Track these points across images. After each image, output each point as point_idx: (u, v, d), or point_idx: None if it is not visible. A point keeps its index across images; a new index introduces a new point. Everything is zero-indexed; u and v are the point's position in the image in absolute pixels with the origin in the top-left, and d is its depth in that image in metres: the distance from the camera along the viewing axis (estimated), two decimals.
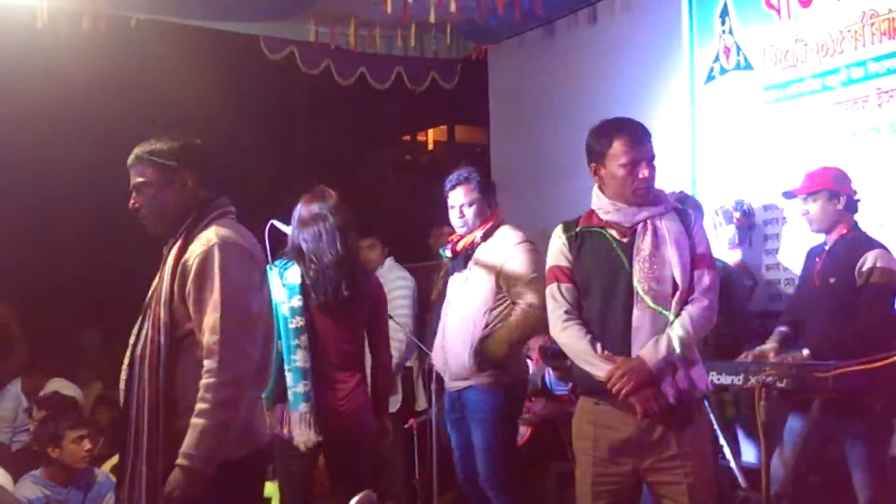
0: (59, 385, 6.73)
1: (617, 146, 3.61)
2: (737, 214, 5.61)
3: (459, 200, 5.03)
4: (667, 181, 5.31)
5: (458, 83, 8.38)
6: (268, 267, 4.20)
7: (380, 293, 4.72)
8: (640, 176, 3.58)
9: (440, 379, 5.26)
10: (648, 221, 3.60)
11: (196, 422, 3.00)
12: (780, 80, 5.59)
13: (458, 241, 5.07)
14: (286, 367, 4.37)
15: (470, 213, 5.02)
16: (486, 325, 4.89)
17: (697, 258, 3.60)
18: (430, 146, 14.15)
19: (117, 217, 10.17)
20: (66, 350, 8.36)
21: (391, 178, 12.27)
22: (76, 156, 8.95)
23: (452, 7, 6.47)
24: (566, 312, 3.66)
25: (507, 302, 4.90)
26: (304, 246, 4.44)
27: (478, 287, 4.95)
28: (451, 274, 5.15)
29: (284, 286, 4.40)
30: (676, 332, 3.48)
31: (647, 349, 3.49)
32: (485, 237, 5.00)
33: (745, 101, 5.80)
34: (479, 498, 5.07)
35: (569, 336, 3.63)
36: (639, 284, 3.53)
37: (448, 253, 5.11)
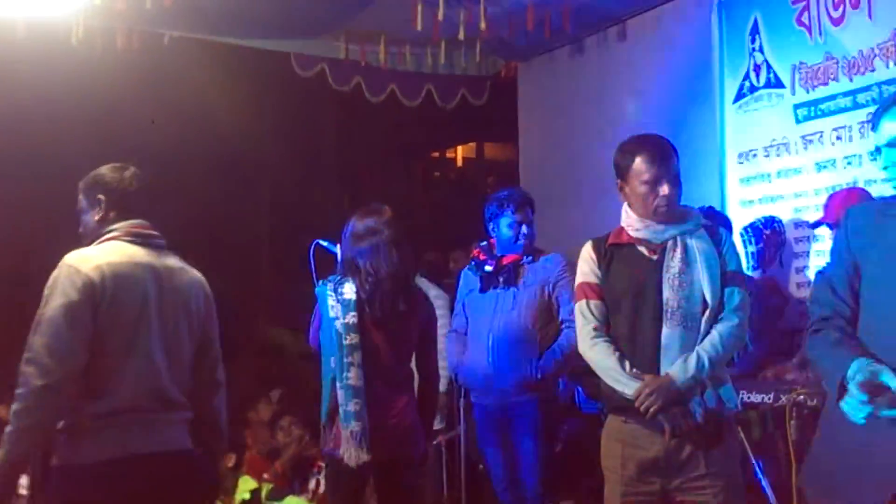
0: None
1: (639, 163, 3.59)
2: (767, 232, 5.59)
3: (529, 217, 5.13)
4: (696, 198, 5.35)
5: (488, 100, 8.40)
6: (319, 284, 4.34)
7: (431, 310, 4.57)
8: (661, 193, 3.56)
9: (467, 396, 5.27)
10: (678, 239, 3.59)
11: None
12: (810, 97, 5.57)
13: (503, 256, 5.13)
14: (338, 383, 4.31)
15: (529, 232, 5.13)
16: (540, 342, 4.99)
17: (728, 276, 3.58)
18: (459, 163, 14.19)
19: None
20: None
21: (420, 194, 12.30)
22: None
23: (482, 24, 6.49)
24: (594, 329, 3.64)
25: (555, 320, 5.03)
26: (359, 261, 4.35)
27: (529, 304, 5.03)
28: (483, 291, 5.17)
29: (339, 302, 4.35)
30: (706, 350, 3.48)
31: (675, 367, 3.47)
32: (534, 258, 5.11)
33: (775, 118, 5.79)
34: None
35: (597, 353, 3.62)
36: (668, 302, 3.52)
37: (490, 268, 5.13)
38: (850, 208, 3.25)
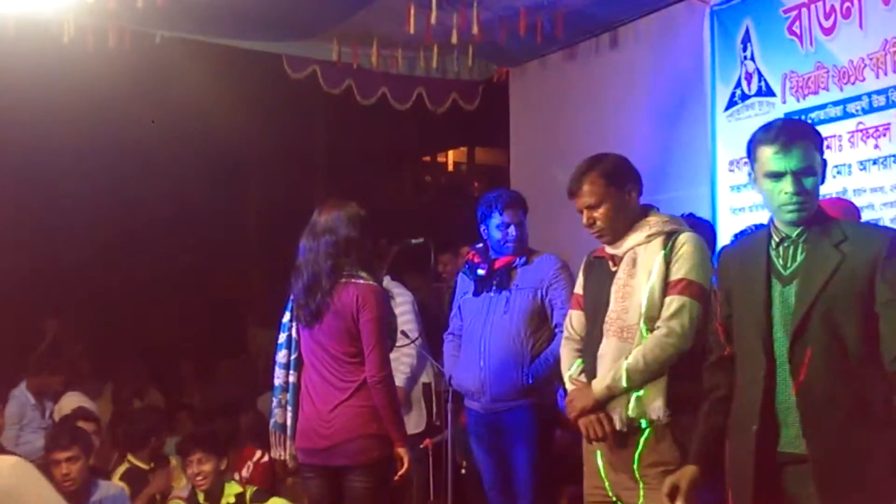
0: (77, 399, 6.76)
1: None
2: None
3: (516, 219, 5.08)
4: (687, 205, 5.36)
5: (479, 105, 8.39)
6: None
7: (362, 302, 4.24)
8: (584, 223, 3.81)
9: (456, 399, 5.26)
10: (632, 251, 3.71)
11: None
12: (800, 106, 5.59)
13: (496, 259, 5.11)
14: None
15: (518, 234, 5.08)
16: (532, 347, 4.97)
17: (670, 285, 3.63)
18: (450, 167, 14.20)
19: (140, 229, 10.30)
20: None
21: (410, 198, 12.30)
22: (100, 169, 9.03)
23: (475, 29, 6.49)
24: (566, 339, 3.96)
25: (548, 324, 5.00)
26: (299, 258, 4.39)
27: (522, 308, 5.00)
28: (477, 294, 5.16)
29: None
30: (628, 361, 3.60)
31: (598, 377, 3.68)
32: (527, 259, 5.07)
33: None
34: None
35: (562, 360, 3.97)
36: (609, 314, 3.70)
37: (482, 272, 5.11)
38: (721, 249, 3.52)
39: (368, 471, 4.24)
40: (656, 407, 3.59)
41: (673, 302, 3.60)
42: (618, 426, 3.63)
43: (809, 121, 5.53)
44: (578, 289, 3.94)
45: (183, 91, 8.47)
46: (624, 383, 3.59)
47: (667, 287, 3.63)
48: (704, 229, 5.22)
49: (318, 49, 7.56)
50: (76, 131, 8.68)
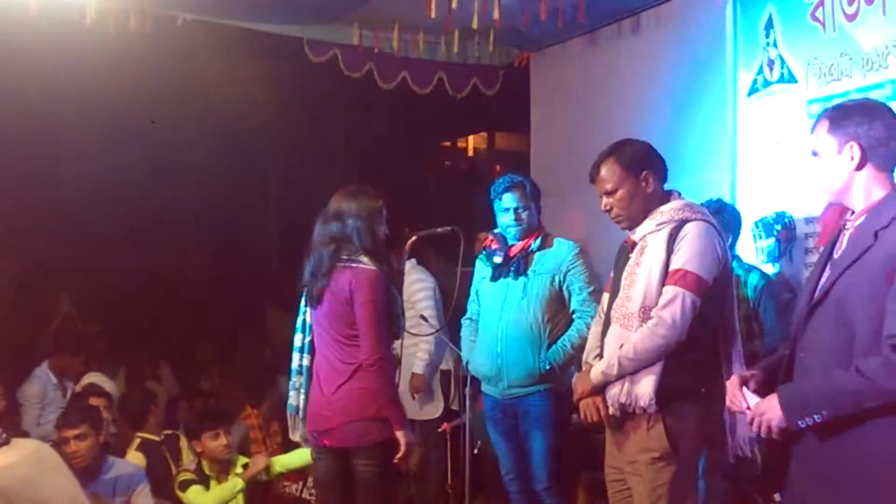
0: (97, 380, 6.81)
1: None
2: (777, 227, 5.58)
3: (514, 203, 5.05)
4: (708, 190, 5.34)
5: (500, 90, 8.38)
6: None
7: (356, 286, 4.26)
8: (602, 208, 3.87)
9: (474, 384, 5.27)
10: (644, 239, 3.74)
11: None
12: (823, 93, 5.55)
13: (512, 246, 5.09)
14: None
15: (527, 216, 5.05)
16: (549, 333, 4.96)
17: (669, 274, 3.64)
18: (470, 153, 14.16)
19: (159, 212, 10.33)
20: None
21: (430, 183, 12.29)
22: (121, 150, 9.06)
23: (496, 14, 6.47)
24: (595, 321, 4.07)
25: (566, 310, 4.99)
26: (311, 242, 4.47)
27: (539, 294, 4.99)
28: (495, 279, 5.15)
29: None
30: (622, 351, 3.65)
31: (597, 363, 3.76)
32: (542, 244, 5.05)
33: (788, 114, 5.77)
34: (525, 502, 5.13)
35: (588, 341, 4.08)
36: (617, 301, 3.75)
37: (499, 259, 5.11)
38: None
39: (370, 453, 4.28)
40: (644, 395, 3.61)
41: (667, 292, 3.61)
42: (611, 411, 3.69)
43: None
44: (612, 272, 3.98)
45: (204, 74, 8.49)
46: (615, 370, 3.64)
47: (666, 276, 3.63)
48: (731, 215, 5.22)
49: (339, 33, 7.57)
50: (97, 113, 8.71)
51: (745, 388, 3.04)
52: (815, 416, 2.77)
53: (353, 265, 4.28)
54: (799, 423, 2.80)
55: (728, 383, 3.14)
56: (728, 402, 3.10)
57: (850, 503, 2.81)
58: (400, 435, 4.25)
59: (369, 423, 4.26)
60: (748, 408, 2.97)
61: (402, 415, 4.33)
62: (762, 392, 2.99)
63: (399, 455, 4.25)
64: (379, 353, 4.24)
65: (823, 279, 2.94)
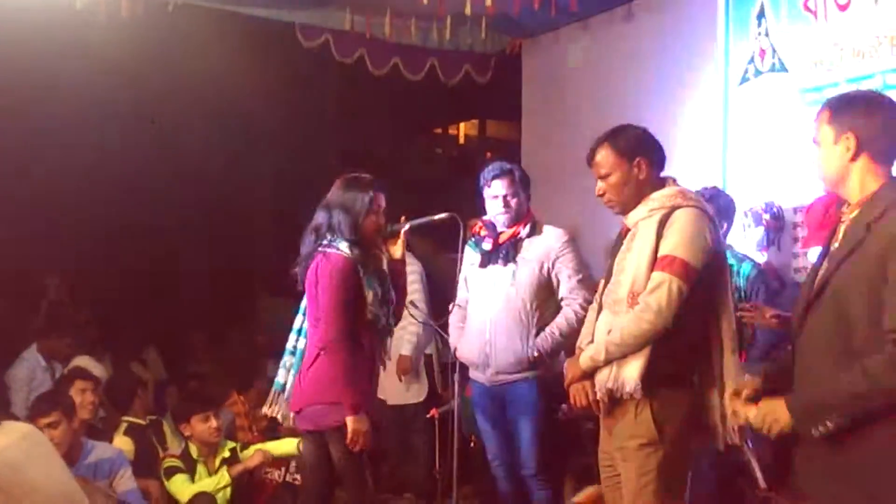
0: (86, 363, 6.80)
1: None
2: (766, 216, 5.60)
3: (502, 191, 5.06)
4: (699, 179, 5.35)
5: (492, 77, 8.37)
6: None
7: (321, 271, 4.38)
8: (596, 192, 3.86)
9: (462, 370, 5.29)
10: (636, 225, 3.74)
11: None
12: (815, 83, 5.56)
13: (501, 233, 5.10)
14: None
15: (515, 204, 5.06)
16: (537, 320, 4.98)
17: (658, 260, 3.63)
18: (461, 140, 14.16)
19: (151, 197, 10.28)
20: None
21: (421, 170, 12.29)
22: (111, 136, 9.04)
23: (488, 1, 6.47)
24: (592, 307, 4.00)
25: (555, 297, 5.02)
26: None
27: (527, 281, 5.00)
28: (483, 266, 5.15)
29: None
30: (609, 336, 3.66)
31: (587, 348, 3.76)
32: (531, 232, 5.06)
33: (779, 103, 5.78)
34: (512, 488, 5.14)
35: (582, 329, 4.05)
36: (608, 287, 3.77)
37: (488, 246, 5.11)
38: None
39: (336, 437, 4.36)
40: (631, 380, 3.61)
41: (655, 278, 3.59)
42: (598, 396, 3.70)
43: (823, 98, 5.52)
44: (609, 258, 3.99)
45: (195, 59, 8.46)
46: (603, 356, 3.65)
47: (654, 262, 3.63)
48: (725, 203, 5.22)
49: (331, 18, 7.55)
50: (87, 98, 8.68)
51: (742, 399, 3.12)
52: (829, 423, 2.78)
53: (327, 251, 4.39)
54: (812, 431, 2.82)
55: (726, 396, 3.20)
56: (730, 420, 3.23)
57: (856, 501, 2.82)
58: (350, 420, 4.29)
59: (328, 406, 4.35)
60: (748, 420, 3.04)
61: (356, 399, 4.32)
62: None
63: (349, 440, 4.30)
64: (330, 336, 4.32)
65: (822, 272, 2.96)
